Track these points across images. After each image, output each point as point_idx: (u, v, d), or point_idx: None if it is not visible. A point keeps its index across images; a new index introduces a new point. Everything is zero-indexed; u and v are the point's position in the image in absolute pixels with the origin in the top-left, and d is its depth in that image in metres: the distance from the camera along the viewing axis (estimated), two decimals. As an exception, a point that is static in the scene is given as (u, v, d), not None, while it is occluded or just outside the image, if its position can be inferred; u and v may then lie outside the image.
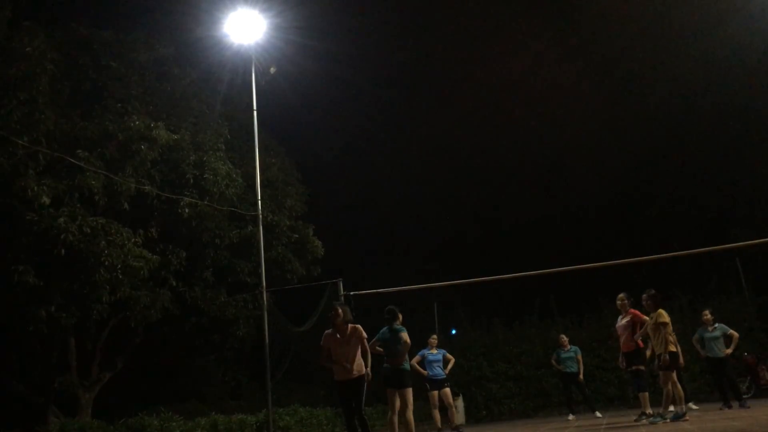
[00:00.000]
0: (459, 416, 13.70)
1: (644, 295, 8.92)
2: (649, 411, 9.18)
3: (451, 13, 32.83)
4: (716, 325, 11.14)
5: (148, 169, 12.91)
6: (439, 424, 11.37)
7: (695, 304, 15.06)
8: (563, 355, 13.33)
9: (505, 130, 28.68)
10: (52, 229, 10.69)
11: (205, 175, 13.64)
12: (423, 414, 13.73)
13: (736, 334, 11.01)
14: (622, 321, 9.57)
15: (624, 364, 9.64)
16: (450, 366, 11.66)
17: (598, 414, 12.69)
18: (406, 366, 7.95)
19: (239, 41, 12.98)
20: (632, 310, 9.46)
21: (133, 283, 12.14)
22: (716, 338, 11.00)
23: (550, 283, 16.84)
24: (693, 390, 12.45)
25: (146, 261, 11.86)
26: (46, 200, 10.72)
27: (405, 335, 7.87)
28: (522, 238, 26.98)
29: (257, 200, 13.18)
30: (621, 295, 9.67)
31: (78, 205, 11.38)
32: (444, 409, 11.71)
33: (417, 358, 11.40)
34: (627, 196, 25.91)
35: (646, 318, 9.01)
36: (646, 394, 9.39)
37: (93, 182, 11.45)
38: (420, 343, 12.20)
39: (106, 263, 11.17)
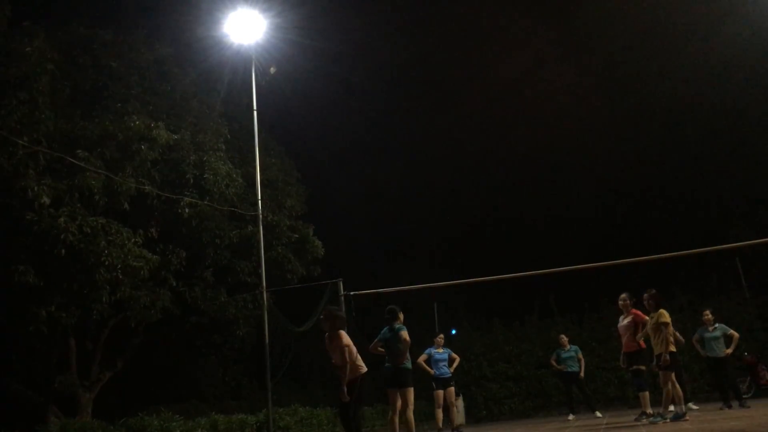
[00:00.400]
0: (459, 416, 13.71)
1: (645, 295, 8.94)
2: (650, 411, 9.18)
3: (451, 13, 32.85)
4: (716, 325, 11.15)
5: (148, 169, 12.90)
6: (440, 423, 11.38)
7: (695, 304, 15.09)
8: (563, 355, 13.36)
9: (505, 130, 28.72)
10: (52, 229, 10.68)
11: (205, 175, 13.64)
12: (423, 414, 13.73)
13: (736, 334, 11.01)
14: (623, 321, 9.57)
15: (625, 364, 9.65)
16: (455, 365, 11.72)
17: (598, 414, 12.70)
18: (408, 365, 7.94)
19: (239, 41, 12.98)
20: (634, 310, 9.47)
21: (133, 283, 12.13)
22: (716, 338, 11.01)
23: (550, 283, 16.86)
24: (693, 390, 12.45)
25: (146, 261, 11.85)
26: (46, 200, 10.71)
27: (405, 334, 7.86)
28: (522, 238, 27.01)
29: (257, 200, 13.17)
30: (623, 295, 9.69)
31: (78, 205, 11.37)
32: (446, 408, 11.74)
33: (423, 356, 11.44)
34: (627, 196, 25.93)
35: (648, 318, 9.01)
36: (647, 393, 9.40)
37: (93, 182, 11.43)
38: (420, 343, 12.21)
39: (106, 263, 11.16)
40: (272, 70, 13.76)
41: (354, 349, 7.17)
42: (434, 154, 32.41)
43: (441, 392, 11.32)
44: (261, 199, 13.33)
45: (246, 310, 15.24)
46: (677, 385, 8.63)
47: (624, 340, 9.51)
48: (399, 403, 7.87)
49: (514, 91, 29.89)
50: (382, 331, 8.16)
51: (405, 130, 33.75)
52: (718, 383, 11.28)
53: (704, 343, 11.14)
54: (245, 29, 12.73)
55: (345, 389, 6.95)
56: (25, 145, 10.59)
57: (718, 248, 12.70)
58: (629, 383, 14.27)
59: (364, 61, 32.43)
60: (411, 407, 7.83)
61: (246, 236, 14.69)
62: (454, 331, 19.26)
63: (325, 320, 7.31)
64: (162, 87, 14.70)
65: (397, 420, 7.89)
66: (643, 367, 9.35)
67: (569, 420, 12.48)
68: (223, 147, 14.76)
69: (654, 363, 8.75)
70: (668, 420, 8.57)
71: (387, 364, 8.01)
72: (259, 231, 13.01)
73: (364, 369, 7.22)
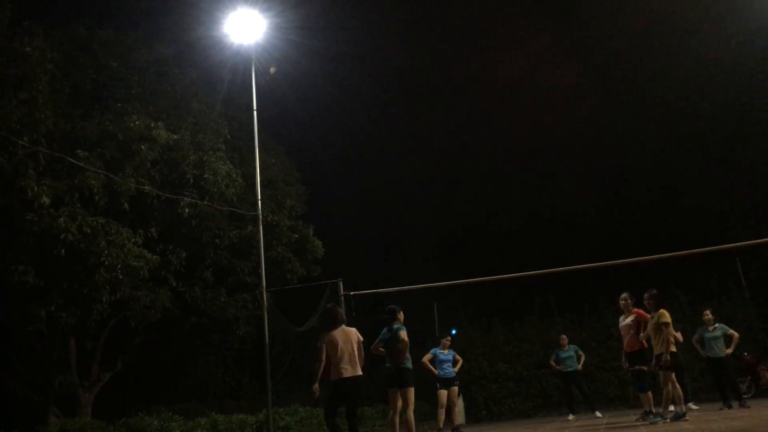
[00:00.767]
0: (459, 416, 13.71)
1: (646, 295, 8.93)
2: (653, 410, 9.17)
3: (451, 13, 32.86)
4: (716, 325, 11.15)
5: (148, 169, 12.90)
6: (441, 424, 11.38)
7: (695, 304, 15.08)
8: (563, 355, 13.36)
9: (504, 130, 28.71)
10: (52, 229, 10.69)
11: (205, 175, 13.64)
12: (423, 414, 13.73)
13: (736, 334, 11.01)
14: (625, 320, 9.56)
15: (627, 363, 9.64)
16: (458, 366, 11.73)
17: (598, 414, 12.70)
18: (408, 365, 7.93)
19: (239, 41, 12.97)
20: (636, 310, 9.46)
21: (133, 283, 12.14)
22: (716, 338, 11.01)
23: (550, 283, 16.85)
24: (693, 390, 12.45)
25: (146, 261, 11.86)
26: (46, 200, 10.71)
27: (403, 334, 7.85)
28: (522, 238, 27.00)
29: (257, 200, 13.17)
30: (624, 295, 9.69)
31: (78, 205, 11.38)
32: (448, 408, 11.75)
33: (428, 355, 11.45)
34: (627, 196, 25.92)
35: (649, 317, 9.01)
36: (649, 393, 9.38)
37: (93, 182, 11.44)
38: (420, 343, 12.21)
39: (106, 263, 11.16)
40: (272, 70, 13.75)
41: (338, 351, 7.05)
42: (434, 153, 32.47)
43: (445, 392, 11.33)
44: (261, 199, 13.33)
45: (246, 310, 15.24)
46: (677, 385, 8.62)
47: (626, 339, 9.49)
48: (399, 403, 7.87)
49: (514, 91, 29.92)
50: (382, 332, 8.17)
51: (405, 130, 33.77)
52: (718, 383, 11.27)
53: (704, 343, 11.14)
54: (245, 29, 12.73)
55: (316, 386, 7.05)
56: (25, 145, 10.60)
57: (718, 248, 12.69)
58: (629, 383, 14.27)
59: (364, 61, 32.48)
60: (411, 407, 7.83)
61: (246, 236, 14.70)
62: (454, 331, 19.24)
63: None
64: (162, 87, 14.70)
65: (397, 420, 7.88)
66: (645, 368, 9.33)
67: (569, 420, 12.48)
68: (223, 147, 14.76)
69: (654, 363, 8.75)
70: (668, 420, 8.56)
71: (387, 364, 8.01)
72: (259, 231, 13.01)
73: (347, 374, 7.01)
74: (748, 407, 10.12)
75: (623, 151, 25.73)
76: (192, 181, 13.60)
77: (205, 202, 13.39)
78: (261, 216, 13.26)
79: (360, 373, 7.17)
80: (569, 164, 28.34)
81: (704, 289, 16.05)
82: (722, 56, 21.39)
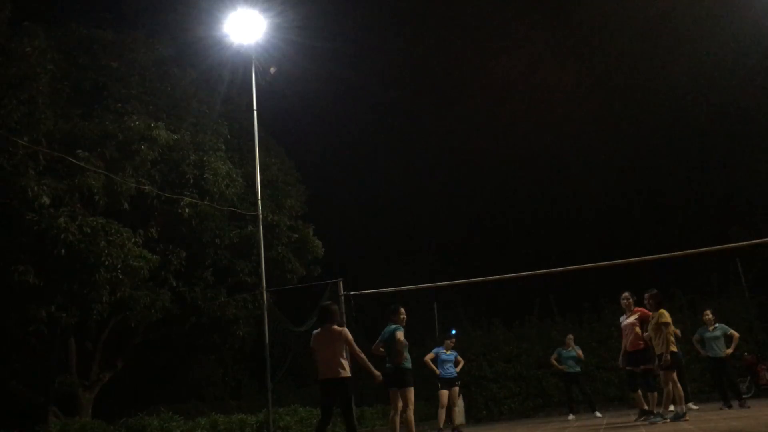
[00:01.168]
0: (459, 416, 13.71)
1: (646, 295, 8.93)
2: (654, 409, 9.17)
3: (450, 13, 32.87)
4: (717, 324, 11.14)
5: (148, 169, 12.91)
6: (441, 424, 11.38)
7: (695, 304, 15.08)
8: (565, 354, 13.35)
9: (505, 130, 28.71)
10: (52, 229, 10.68)
11: (205, 175, 13.64)
12: (423, 414, 13.72)
13: (736, 334, 11.00)
14: (628, 319, 9.55)
15: (623, 363, 9.63)
16: (460, 367, 11.74)
17: (598, 414, 12.70)
18: (407, 365, 7.93)
19: (239, 41, 12.98)
20: (638, 308, 9.45)
21: (133, 283, 12.14)
22: (717, 338, 11.00)
23: (550, 283, 16.86)
24: (693, 390, 12.45)
25: (146, 261, 11.86)
26: (46, 200, 10.71)
27: (399, 334, 7.83)
28: (522, 238, 27.00)
29: (257, 200, 13.17)
30: (626, 294, 9.69)
31: (78, 205, 11.39)
32: (448, 408, 11.75)
33: (431, 354, 11.45)
34: (627, 196, 25.93)
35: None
36: (656, 394, 9.36)
37: (93, 182, 11.44)
38: (420, 343, 12.20)
39: (106, 263, 11.16)
40: (272, 70, 13.78)
41: (317, 352, 6.91)
42: (434, 153, 32.46)
43: (446, 392, 11.33)
44: (261, 199, 13.33)
45: (246, 310, 15.24)
46: (678, 385, 8.62)
47: (630, 339, 9.47)
48: (400, 402, 7.87)
49: (514, 91, 29.92)
50: (383, 332, 8.17)
51: (405, 130, 33.77)
52: (718, 383, 11.27)
53: (704, 343, 11.13)
54: (245, 29, 12.73)
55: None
56: (25, 145, 10.60)
57: (718, 248, 12.70)
58: (629, 383, 14.25)
59: (364, 61, 32.46)
60: (411, 407, 7.82)
61: (246, 236, 14.70)
62: (454, 331, 19.21)
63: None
64: (162, 87, 14.70)
65: (397, 420, 7.88)
66: (651, 367, 9.29)
67: (569, 420, 12.47)
68: (223, 147, 14.77)
69: (655, 363, 8.74)
70: (668, 420, 8.56)
71: (388, 364, 8.01)
72: (259, 231, 13.01)
73: (324, 376, 6.77)
74: (748, 407, 10.12)
75: (623, 151, 25.74)
76: (192, 181, 13.60)
77: (205, 202, 13.39)
78: (261, 216, 13.26)
79: (340, 375, 6.68)
80: (569, 164, 28.36)
81: (704, 289, 16.05)
82: (722, 57, 21.40)
